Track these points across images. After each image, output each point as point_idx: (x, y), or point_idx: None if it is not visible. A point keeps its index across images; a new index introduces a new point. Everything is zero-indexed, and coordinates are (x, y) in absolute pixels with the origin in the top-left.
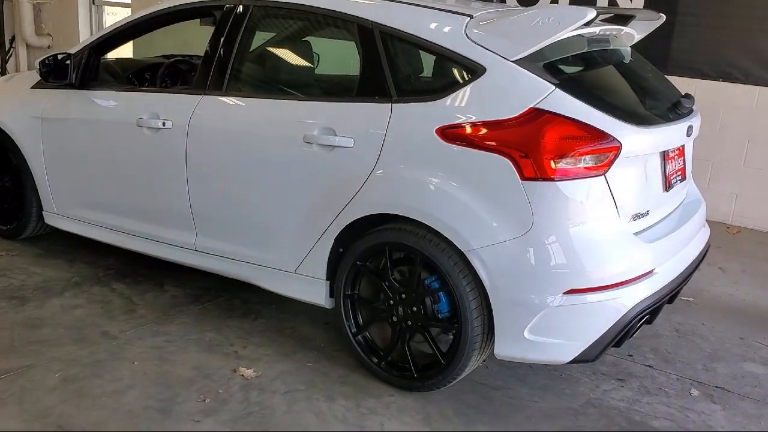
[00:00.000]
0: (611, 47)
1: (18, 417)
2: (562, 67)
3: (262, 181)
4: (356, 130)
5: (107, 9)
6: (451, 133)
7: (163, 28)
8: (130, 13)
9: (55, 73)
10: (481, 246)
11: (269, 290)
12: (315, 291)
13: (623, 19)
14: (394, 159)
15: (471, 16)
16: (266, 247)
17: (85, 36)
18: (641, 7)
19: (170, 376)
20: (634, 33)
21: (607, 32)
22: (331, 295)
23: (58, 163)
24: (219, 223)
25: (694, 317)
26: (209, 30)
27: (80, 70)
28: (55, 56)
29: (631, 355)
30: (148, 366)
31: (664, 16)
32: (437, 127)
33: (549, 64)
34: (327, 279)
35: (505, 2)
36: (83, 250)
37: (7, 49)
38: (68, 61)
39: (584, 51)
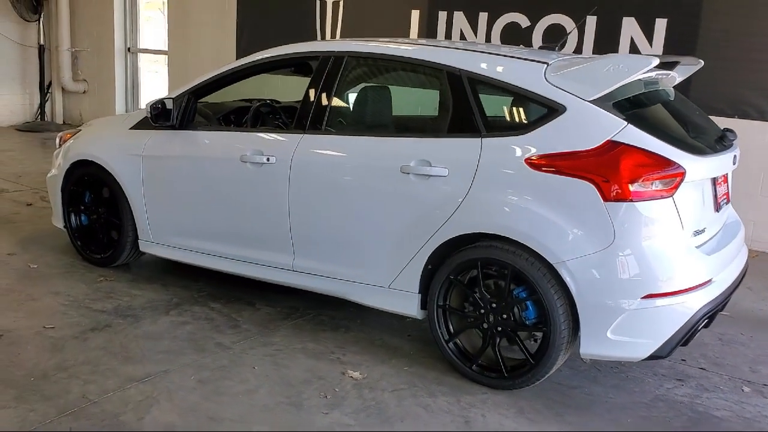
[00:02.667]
0: (660, 88)
1: (173, 411)
2: (626, 105)
3: (361, 207)
4: (450, 161)
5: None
6: (539, 163)
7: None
8: (167, 61)
9: (162, 115)
10: (569, 258)
11: (363, 304)
12: (408, 304)
13: (670, 64)
14: (486, 185)
15: (547, 63)
16: (362, 265)
17: (120, 82)
18: (660, 53)
19: (289, 378)
20: (676, 75)
21: (658, 75)
22: (422, 307)
23: (158, 196)
24: (317, 245)
25: (733, 328)
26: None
27: (180, 112)
28: (161, 101)
29: (684, 360)
30: (267, 370)
31: (703, 62)
32: (526, 157)
33: (616, 103)
34: (419, 292)
35: (559, 50)
36: (171, 275)
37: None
38: (171, 105)
39: (641, 92)
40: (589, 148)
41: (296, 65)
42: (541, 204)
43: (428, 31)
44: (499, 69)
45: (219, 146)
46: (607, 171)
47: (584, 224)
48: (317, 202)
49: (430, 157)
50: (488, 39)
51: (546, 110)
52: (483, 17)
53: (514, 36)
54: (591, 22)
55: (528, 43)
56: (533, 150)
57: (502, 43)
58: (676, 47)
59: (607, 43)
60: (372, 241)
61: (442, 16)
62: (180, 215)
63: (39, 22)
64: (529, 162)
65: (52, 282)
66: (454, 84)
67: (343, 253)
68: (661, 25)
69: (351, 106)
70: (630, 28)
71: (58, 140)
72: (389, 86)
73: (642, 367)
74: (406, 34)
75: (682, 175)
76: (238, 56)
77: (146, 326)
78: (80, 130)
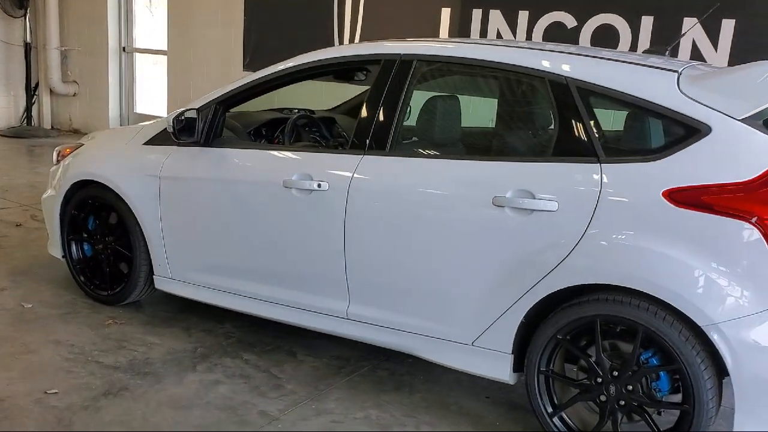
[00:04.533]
0: None
1: None
2: None
3: (439, 247)
4: (560, 193)
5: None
6: (681, 197)
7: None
8: (166, 61)
9: (186, 130)
10: (723, 320)
11: (436, 363)
12: (496, 365)
13: None
14: (611, 224)
15: (678, 72)
16: (438, 317)
17: (114, 84)
18: (727, 57)
19: None
20: None
21: None
22: (515, 369)
23: (179, 225)
24: (380, 291)
25: None
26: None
27: (206, 126)
28: (184, 113)
29: None
30: None
31: None
32: (664, 190)
33: (766, 122)
34: (512, 353)
35: (667, 54)
36: (192, 315)
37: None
38: (195, 117)
39: None
40: (746, 180)
41: (349, 70)
42: (685, 249)
43: (460, 31)
44: (619, 78)
45: (256, 168)
46: None
47: (745, 276)
48: (382, 238)
49: (532, 186)
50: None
51: (684, 130)
52: (523, 16)
53: (559, 38)
54: (646, 23)
55: None
56: (672, 180)
57: None
58: (745, 51)
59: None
60: (453, 289)
61: (477, 14)
62: (206, 248)
63: (25, 18)
64: (669, 196)
65: (52, 327)
66: (559, 95)
67: (414, 301)
68: (728, 26)
69: (423, 121)
70: (692, 29)
71: (55, 155)
72: (471, 97)
73: None
74: (436, 35)
75: None
76: (246, 57)
77: (171, 388)
78: (81, 144)
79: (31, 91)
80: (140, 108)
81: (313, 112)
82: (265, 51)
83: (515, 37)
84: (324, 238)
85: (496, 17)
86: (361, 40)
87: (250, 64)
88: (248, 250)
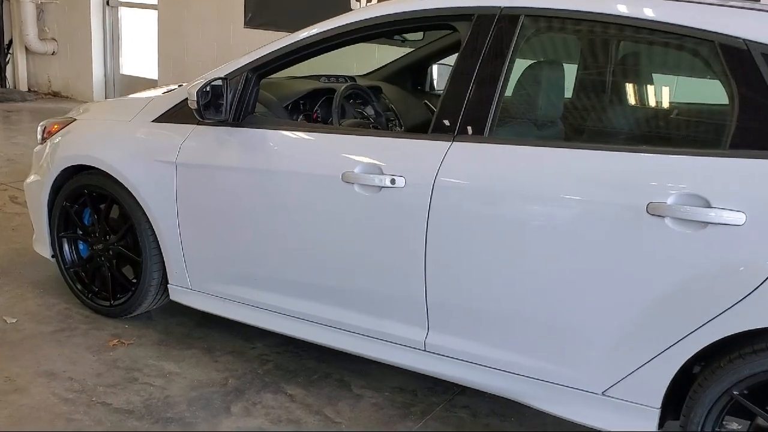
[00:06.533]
0: None
1: None
2: None
3: (563, 266)
4: (749, 200)
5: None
6: None
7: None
8: (156, 16)
9: (212, 105)
10: None
11: (551, 414)
12: (634, 422)
13: None
14: None
15: None
16: (555, 355)
17: (98, 42)
18: None
19: None
20: None
21: None
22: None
23: (202, 224)
24: (471, 318)
25: None
26: None
27: (236, 100)
28: (210, 83)
29: None
30: None
31: None
32: None
33: None
34: (660, 407)
35: None
36: (213, 331)
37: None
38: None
39: None
40: None
41: (426, 27)
42: None
43: None
44: None
45: (304, 156)
46: None
47: None
48: (477, 252)
49: (707, 190)
50: None
51: None
52: None
53: None
54: None
55: None
56: None
57: None
58: None
59: None
60: (581, 322)
61: None
62: (237, 254)
63: None
64: None
65: (43, 351)
66: (737, 65)
67: (521, 335)
68: None
69: (539, 97)
70: None
71: (40, 132)
72: (602, 66)
73: None
74: None
75: None
76: (248, 12)
77: None
78: (73, 119)
79: (4, 49)
80: (127, 69)
81: (354, 79)
82: (270, 6)
83: None
84: (397, 249)
85: None
86: None
87: (251, 21)
88: (293, 258)
